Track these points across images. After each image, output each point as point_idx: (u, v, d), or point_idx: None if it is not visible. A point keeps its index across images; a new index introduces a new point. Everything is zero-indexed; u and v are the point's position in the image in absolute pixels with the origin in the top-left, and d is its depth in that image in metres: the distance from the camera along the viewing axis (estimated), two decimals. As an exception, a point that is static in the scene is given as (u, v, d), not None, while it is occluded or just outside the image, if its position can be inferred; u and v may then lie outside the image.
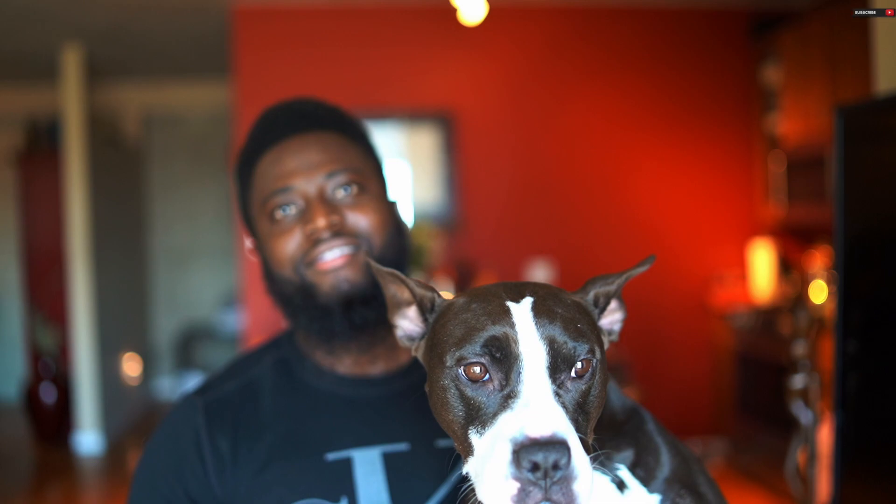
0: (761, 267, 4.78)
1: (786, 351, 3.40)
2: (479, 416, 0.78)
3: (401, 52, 4.71)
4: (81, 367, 5.42)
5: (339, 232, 1.15)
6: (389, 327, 1.13)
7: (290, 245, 1.15)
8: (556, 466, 0.70)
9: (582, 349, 0.79)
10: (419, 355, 0.92)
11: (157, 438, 1.18)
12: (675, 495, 0.87)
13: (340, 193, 1.17)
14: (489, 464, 0.74)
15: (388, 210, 1.21)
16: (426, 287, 0.91)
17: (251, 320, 4.56)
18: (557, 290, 0.86)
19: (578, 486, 0.72)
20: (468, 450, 0.79)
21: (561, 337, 0.78)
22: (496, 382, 0.78)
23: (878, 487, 1.88)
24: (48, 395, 5.55)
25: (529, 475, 0.71)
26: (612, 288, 0.89)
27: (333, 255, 1.14)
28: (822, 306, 4.07)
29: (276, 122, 1.22)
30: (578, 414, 0.78)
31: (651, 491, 0.88)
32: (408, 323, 0.93)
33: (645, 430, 0.92)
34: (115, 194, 6.21)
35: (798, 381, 2.60)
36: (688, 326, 4.91)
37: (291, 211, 1.16)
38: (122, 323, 6.28)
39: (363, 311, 1.15)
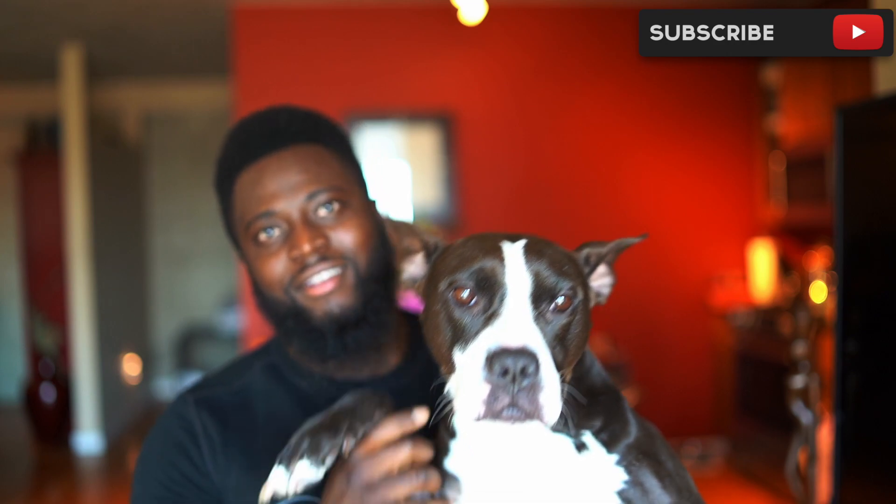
0: (761, 267, 4.78)
1: (786, 351, 3.40)
2: (463, 336, 0.85)
3: (401, 51, 4.70)
4: (81, 367, 5.42)
5: (325, 255, 1.14)
6: (381, 345, 1.18)
7: (276, 268, 1.15)
8: (524, 373, 0.78)
9: (564, 284, 0.86)
10: (420, 291, 1.01)
11: (152, 435, 1.20)
12: (634, 458, 0.92)
13: (323, 212, 1.15)
14: (466, 372, 0.81)
15: (372, 221, 1.21)
16: (432, 236, 1.01)
17: (251, 320, 4.56)
18: (553, 241, 0.93)
19: (544, 397, 0.79)
20: (451, 367, 0.87)
21: (545, 271, 0.86)
22: (481, 306, 0.86)
23: (878, 487, 1.88)
24: (48, 395, 5.54)
25: (499, 379, 0.78)
26: (603, 250, 0.97)
27: (322, 279, 1.14)
28: (822, 306, 4.07)
29: (251, 139, 1.20)
30: (556, 345, 0.85)
31: (610, 452, 0.92)
32: (413, 267, 1.02)
33: (619, 404, 0.97)
34: (115, 194, 6.21)
35: (798, 381, 2.61)
36: (688, 326, 4.91)
37: (275, 233, 1.15)
38: (122, 323, 6.28)
39: (355, 334, 1.16)
